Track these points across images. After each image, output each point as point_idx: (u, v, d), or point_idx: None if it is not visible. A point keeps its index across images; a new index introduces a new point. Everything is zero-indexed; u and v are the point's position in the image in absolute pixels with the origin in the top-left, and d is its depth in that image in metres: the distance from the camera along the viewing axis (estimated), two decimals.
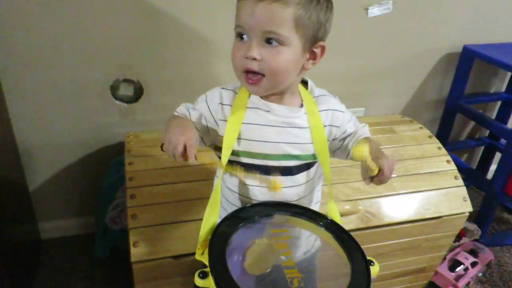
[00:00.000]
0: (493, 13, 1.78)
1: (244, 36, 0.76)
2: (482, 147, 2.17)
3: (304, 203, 0.90)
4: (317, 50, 0.80)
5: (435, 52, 1.79)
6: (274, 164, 0.84)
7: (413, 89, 1.86)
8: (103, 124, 1.50)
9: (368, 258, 0.75)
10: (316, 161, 0.87)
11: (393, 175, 1.32)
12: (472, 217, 1.85)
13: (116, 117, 1.49)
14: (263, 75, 0.76)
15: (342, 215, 1.18)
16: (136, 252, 1.03)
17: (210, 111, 0.83)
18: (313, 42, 0.78)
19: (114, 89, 1.45)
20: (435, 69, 1.83)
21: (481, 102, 2.00)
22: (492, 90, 2.01)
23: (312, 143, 0.84)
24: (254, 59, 0.74)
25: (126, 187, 1.14)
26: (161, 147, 0.74)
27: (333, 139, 0.89)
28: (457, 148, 2.10)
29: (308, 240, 0.87)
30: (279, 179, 0.83)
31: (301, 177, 0.87)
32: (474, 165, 2.23)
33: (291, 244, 0.78)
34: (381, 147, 0.82)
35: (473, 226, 1.74)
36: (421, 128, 1.54)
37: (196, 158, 0.70)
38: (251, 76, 0.77)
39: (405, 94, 1.86)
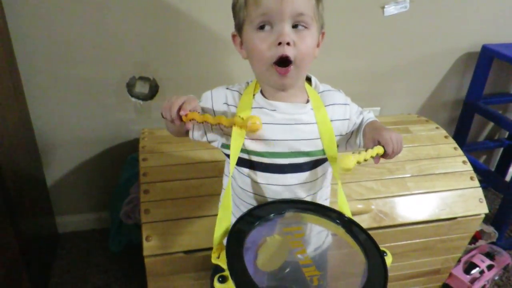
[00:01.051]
0: None
1: (267, 27, 0.76)
2: (501, 149, 2.12)
3: (316, 199, 0.90)
4: (320, 37, 0.83)
5: (453, 51, 1.76)
6: (284, 162, 0.83)
7: (430, 89, 1.83)
8: (119, 121, 1.52)
9: (382, 249, 0.74)
10: (325, 158, 0.87)
11: (407, 175, 1.32)
12: (489, 220, 1.82)
13: (132, 114, 1.52)
14: (291, 62, 0.76)
15: (354, 214, 1.17)
16: (149, 246, 1.04)
17: (214, 110, 0.84)
18: (321, 29, 0.82)
19: (130, 86, 1.47)
20: (453, 69, 1.80)
21: (501, 103, 1.96)
22: None
23: (320, 138, 0.84)
24: (288, 44, 0.74)
25: (140, 183, 1.16)
26: (161, 114, 0.78)
27: (345, 134, 0.88)
28: (475, 149, 2.07)
29: (319, 237, 0.87)
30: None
31: (312, 173, 0.87)
32: (492, 167, 2.19)
33: (305, 241, 0.78)
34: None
35: (490, 229, 1.70)
36: (437, 128, 1.52)
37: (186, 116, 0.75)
38: (282, 67, 0.77)
39: (422, 94, 1.84)
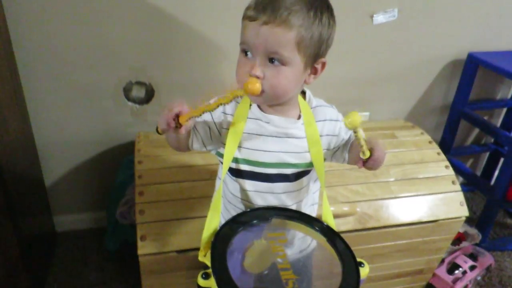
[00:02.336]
0: (500, 20, 1.80)
1: (248, 53, 0.80)
2: (488, 153, 2.18)
3: (301, 206, 0.95)
4: (318, 66, 0.84)
5: (440, 59, 1.82)
6: (272, 172, 0.89)
7: (418, 95, 1.89)
8: (115, 124, 1.57)
9: (358, 260, 0.79)
10: (312, 168, 0.92)
11: (391, 179, 1.38)
12: (474, 222, 1.88)
13: (128, 118, 1.57)
14: (260, 93, 0.79)
15: (340, 216, 1.25)
16: (143, 245, 1.10)
17: (213, 119, 0.88)
18: (315, 59, 0.82)
19: (127, 91, 1.52)
20: (440, 76, 1.86)
21: (486, 109, 2.02)
22: (498, 97, 2.03)
23: (309, 152, 0.89)
24: (257, 77, 0.78)
25: (135, 184, 1.21)
26: (156, 129, 0.80)
27: (333, 148, 0.93)
28: (462, 154, 2.13)
29: (303, 241, 0.91)
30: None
31: (298, 183, 0.92)
32: (479, 170, 2.25)
33: (287, 246, 0.83)
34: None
35: (473, 231, 1.76)
36: (422, 133, 1.58)
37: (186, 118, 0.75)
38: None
39: (410, 100, 1.90)
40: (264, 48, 0.77)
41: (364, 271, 0.79)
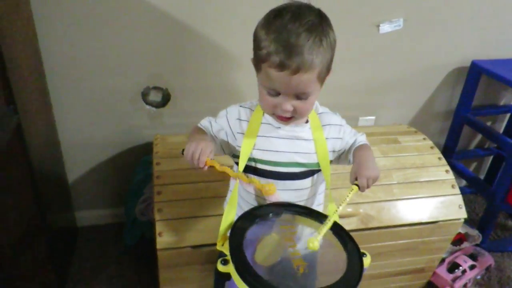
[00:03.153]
0: (503, 29, 1.86)
1: (275, 92, 0.87)
2: (491, 157, 2.24)
3: (307, 204, 1.04)
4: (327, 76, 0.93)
5: (444, 66, 1.89)
6: (284, 170, 0.98)
7: (422, 101, 1.96)
8: (134, 126, 1.67)
9: (362, 251, 0.87)
10: (319, 169, 1.01)
11: (393, 182, 1.45)
12: (475, 223, 1.95)
13: (145, 120, 1.67)
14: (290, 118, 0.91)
15: (344, 216, 1.33)
16: (161, 241, 1.19)
17: (229, 125, 0.99)
18: (325, 76, 0.90)
19: (144, 95, 1.62)
20: (444, 83, 1.92)
21: (489, 114, 2.08)
22: (502, 103, 2.09)
23: (316, 153, 0.99)
24: (288, 111, 0.88)
25: (153, 185, 1.30)
26: (182, 151, 0.90)
27: (338, 150, 1.03)
28: (466, 157, 2.19)
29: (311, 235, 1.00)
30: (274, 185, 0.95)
31: (306, 182, 1.01)
32: (483, 174, 2.31)
33: (297, 238, 0.91)
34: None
35: (474, 232, 1.83)
36: (424, 139, 1.65)
37: (205, 165, 0.86)
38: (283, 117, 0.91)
39: (415, 105, 1.97)
40: (294, 91, 0.86)
41: (366, 261, 0.86)
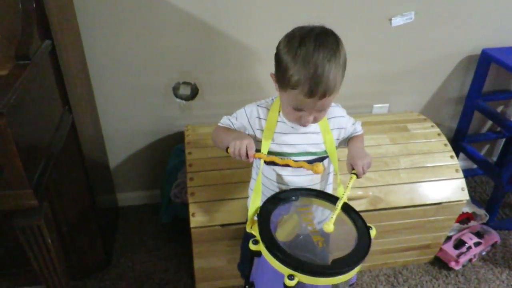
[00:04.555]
0: None
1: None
2: (504, 139, 2.33)
3: (321, 186, 1.21)
4: None
5: (455, 55, 1.98)
6: (298, 159, 1.14)
7: (434, 88, 2.06)
8: (166, 117, 1.86)
9: (368, 224, 1.02)
10: (327, 156, 1.17)
11: (401, 167, 1.59)
12: (484, 203, 2.07)
13: (177, 112, 1.85)
14: None
15: (354, 199, 1.49)
16: (194, 220, 1.39)
17: (250, 123, 1.15)
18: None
19: (175, 89, 1.80)
20: (455, 70, 2.02)
21: (499, 99, 2.16)
22: None
23: (324, 143, 1.15)
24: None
25: (186, 171, 1.50)
26: (226, 150, 1.07)
27: (342, 138, 1.19)
28: (477, 141, 2.29)
29: (324, 213, 1.16)
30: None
31: None
32: (495, 157, 2.41)
33: (313, 217, 1.08)
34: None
35: (481, 211, 1.96)
36: (432, 126, 1.77)
37: (253, 157, 1.04)
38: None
39: (427, 93, 2.08)
40: (317, 110, 1.03)
41: (372, 233, 1.01)
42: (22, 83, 1.04)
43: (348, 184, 1.04)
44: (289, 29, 1.04)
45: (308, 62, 0.95)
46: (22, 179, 1.02)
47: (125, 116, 1.82)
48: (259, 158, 1.07)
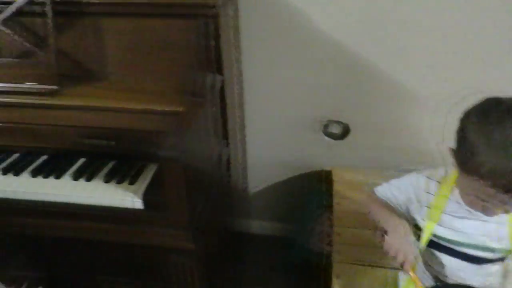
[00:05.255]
0: None
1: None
2: None
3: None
4: None
5: None
6: (471, 253, 0.96)
7: None
8: (311, 153, 1.80)
9: None
10: (506, 256, 0.96)
11: None
12: None
13: (322, 150, 1.78)
14: None
15: None
16: (337, 283, 1.28)
17: (416, 197, 0.99)
18: None
19: (325, 127, 1.72)
20: None
21: None
22: None
23: (509, 238, 0.93)
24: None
25: (333, 224, 1.40)
26: (382, 235, 0.95)
27: None
28: None
29: None
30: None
31: (496, 267, 0.98)
32: None
33: None
34: None
35: None
36: None
37: (412, 271, 0.90)
38: None
39: None
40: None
41: None
42: (196, 123, 1.05)
43: None
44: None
45: (505, 149, 0.76)
46: (184, 221, 1.04)
47: (271, 145, 1.82)
48: (408, 274, 0.91)
